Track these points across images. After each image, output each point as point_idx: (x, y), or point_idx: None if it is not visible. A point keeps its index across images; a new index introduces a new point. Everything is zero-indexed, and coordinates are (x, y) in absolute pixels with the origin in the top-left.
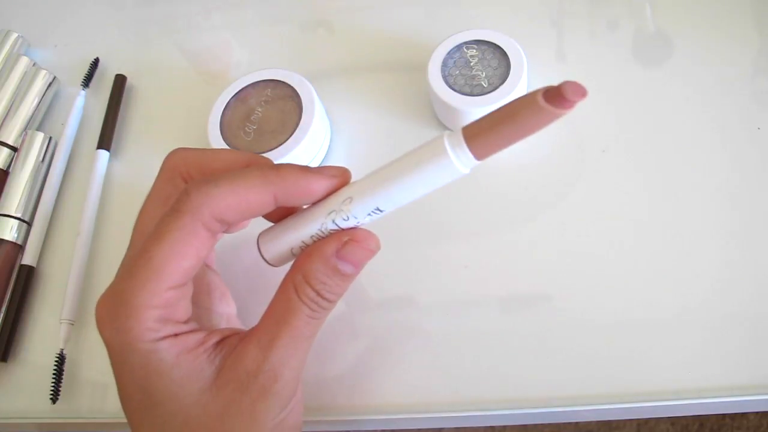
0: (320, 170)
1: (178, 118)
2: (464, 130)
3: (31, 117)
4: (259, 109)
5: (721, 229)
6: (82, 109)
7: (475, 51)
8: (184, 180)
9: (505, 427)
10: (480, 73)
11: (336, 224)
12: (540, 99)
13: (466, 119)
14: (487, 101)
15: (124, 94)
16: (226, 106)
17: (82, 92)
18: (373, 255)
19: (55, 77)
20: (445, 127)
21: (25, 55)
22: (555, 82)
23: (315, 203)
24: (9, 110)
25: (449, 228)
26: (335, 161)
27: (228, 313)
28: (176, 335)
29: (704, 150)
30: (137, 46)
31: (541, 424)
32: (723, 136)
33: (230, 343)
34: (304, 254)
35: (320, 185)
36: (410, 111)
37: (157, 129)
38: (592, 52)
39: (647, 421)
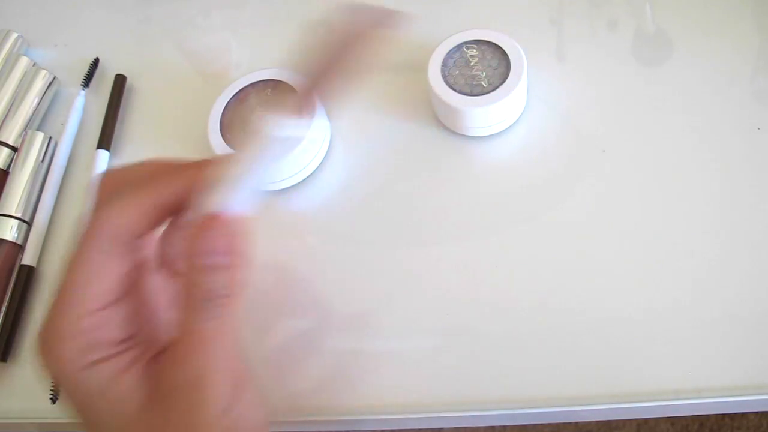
0: (186, 162)
1: (178, 118)
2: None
3: (31, 117)
4: (259, 109)
5: (722, 229)
6: (82, 109)
7: (475, 51)
8: None
9: (505, 427)
10: (480, 73)
11: (202, 211)
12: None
13: (466, 119)
14: (487, 101)
15: (124, 94)
16: (226, 106)
17: (82, 92)
18: (242, 235)
19: (55, 77)
20: (445, 128)
21: (25, 55)
22: (555, 82)
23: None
24: (9, 110)
25: (449, 227)
26: (335, 161)
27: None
28: (106, 359)
29: (704, 150)
30: (137, 46)
31: (541, 424)
32: (723, 136)
33: (161, 359)
34: (184, 257)
35: (195, 178)
36: (410, 111)
37: (157, 129)
38: (592, 52)
39: (647, 421)
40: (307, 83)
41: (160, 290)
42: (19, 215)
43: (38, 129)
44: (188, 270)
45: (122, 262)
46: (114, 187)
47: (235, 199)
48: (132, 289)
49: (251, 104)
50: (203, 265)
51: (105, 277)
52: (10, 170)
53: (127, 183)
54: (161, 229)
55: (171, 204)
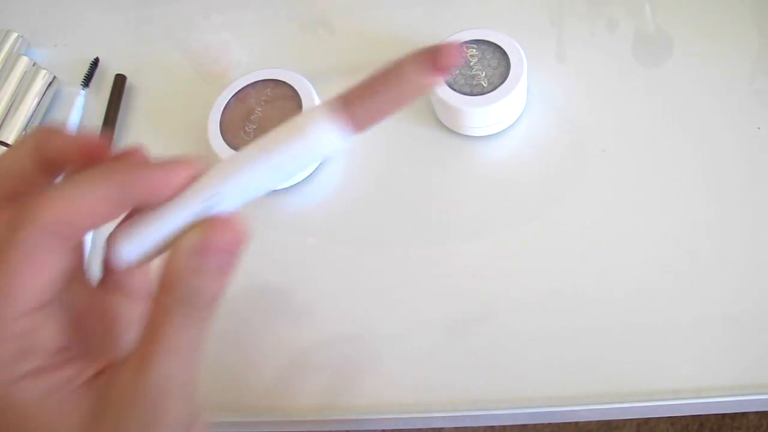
0: (168, 160)
1: (178, 118)
2: (341, 101)
3: (31, 117)
4: (259, 109)
5: (721, 229)
6: (82, 108)
7: (475, 51)
8: None
9: (505, 427)
10: (480, 72)
11: (202, 213)
12: (412, 68)
13: (466, 119)
14: (487, 101)
15: (124, 94)
16: (226, 106)
17: (82, 92)
18: (240, 239)
19: (55, 77)
20: (445, 127)
21: (25, 55)
22: (555, 82)
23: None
24: (9, 110)
25: (448, 227)
26: (334, 161)
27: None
28: (41, 370)
29: (704, 149)
30: (137, 46)
31: (541, 424)
32: (723, 136)
33: (111, 371)
34: (171, 251)
35: (166, 175)
36: (410, 111)
37: (157, 129)
38: (591, 52)
39: (647, 421)
40: (345, 100)
41: (93, 301)
42: None
43: None
44: (174, 270)
45: (61, 259)
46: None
47: (234, 200)
48: (64, 295)
49: (251, 104)
50: (199, 266)
51: (43, 272)
52: None
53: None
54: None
55: (128, 201)
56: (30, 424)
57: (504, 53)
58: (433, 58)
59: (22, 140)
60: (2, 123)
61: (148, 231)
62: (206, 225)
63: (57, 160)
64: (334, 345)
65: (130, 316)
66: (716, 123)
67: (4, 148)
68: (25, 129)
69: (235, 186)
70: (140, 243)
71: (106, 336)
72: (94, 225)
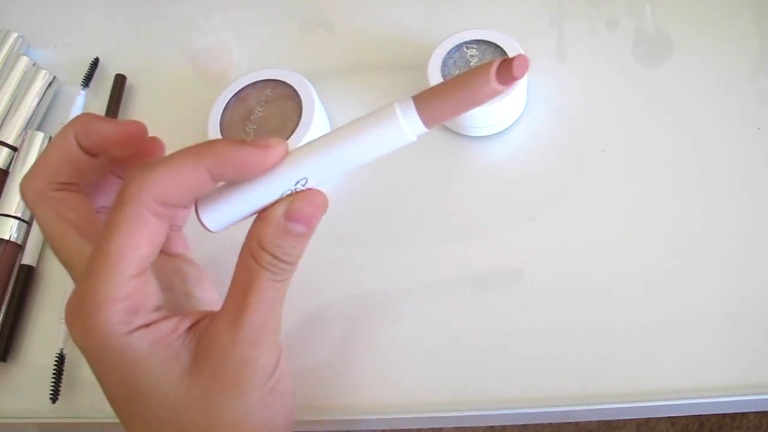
0: (254, 141)
1: (178, 118)
2: (415, 97)
3: (31, 117)
4: (259, 109)
5: (721, 229)
6: (82, 109)
7: (475, 51)
8: None
9: (505, 427)
10: None
11: (287, 189)
12: (492, 72)
13: (466, 119)
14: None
15: (124, 94)
16: (226, 106)
17: (82, 92)
18: (323, 211)
19: (55, 77)
20: (445, 127)
21: (25, 55)
22: (555, 82)
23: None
24: (9, 110)
25: (448, 227)
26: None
27: (208, 299)
28: (148, 325)
29: (704, 150)
30: (137, 46)
31: (541, 424)
32: (723, 136)
33: (203, 325)
34: (256, 220)
35: (254, 156)
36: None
37: (157, 129)
38: (592, 52)
39: (647, 421)
40: (426, 97)
41: (167, 265)
42: (19, 215)
43: (38, 129)
44: (264, 236)
45: (158, 232)
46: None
47: (316, 180)
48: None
49: (251, 104)
50: (287, 228)
51: (146, 243)
52: (10, 170)
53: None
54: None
55: (201, 179)
56: (144, 370)
57: (504, 53)
58: (509, 67)
59: (66, 129)
60: (2, 123)
61: (237, 203)
62: (293, 198)
63: (100, 145)
64: (332, 345)
65: (194, 275)
66: (716, 123)
67: (5, 148)
68: (25, 129)
69: (318, 168)
70: (227, 213)
71: (182, 294)
72: (188, 202)
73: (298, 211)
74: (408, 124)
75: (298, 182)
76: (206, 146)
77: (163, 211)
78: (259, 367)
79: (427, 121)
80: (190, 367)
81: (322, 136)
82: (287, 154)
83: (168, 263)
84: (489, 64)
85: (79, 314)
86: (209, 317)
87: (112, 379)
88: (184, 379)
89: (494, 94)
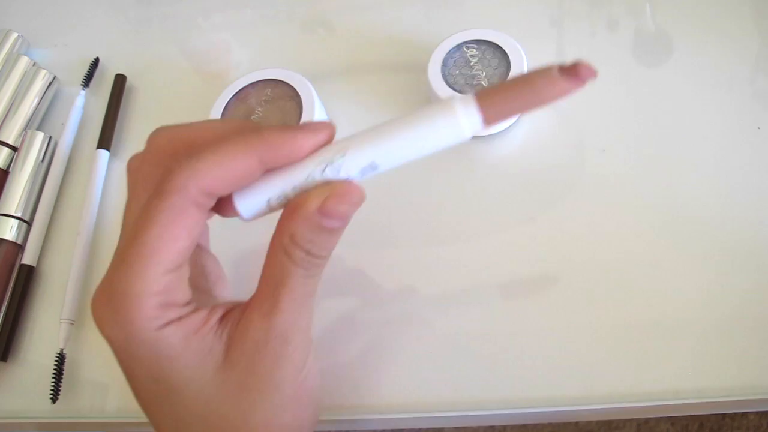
0: (303, 126)
1: (178, 118)
2: (477, 92)
3: (31, 117)
4: (259, 109)
5: (721, 229)
6: (82, 108)
7: (475, 51)
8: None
9: (505, 427)
10: (480, 72)
11: (325, 176)
12: (556, 72)
13: None
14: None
15: (124, 94)
16: (226, 106)
17: (82, 92)
18: (358, 207)
19: (55, 77)
20: None
21: (25, 55)
22: None
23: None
24: (9, 110)
25: (449, 227)
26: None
27: (225, 297)
28: (180, 318)
29: (704, 150)
30: (137, 46)
31: (541, 424)
32: (723, 136)
33: (233, 316)
34: (286, 213)
35: (305, 142)
36: (410, 111)
37: None
38: (592, 52)
39: (647, 421)
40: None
41: (211, 266)
42: (19, 215)
43: (38, 129)
44: (296, 231)
45: (198, 225)
46: (181, 147)
47: (361, 172)
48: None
49: (251, 104)
50: (321, 224)
51: (185, 236)
52: (10, 170)
53: (198, 145)
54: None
55: (251, 169)
56: (177, 365)
57: (504, 53)
58: (576, 70)
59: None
60: (2, 123)
61: (273, 188)
62: (326, 192)
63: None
64: (332, 345)
65: (215, 272)
66: (716, 123)
67: (5, 148)
68: (25, 129)
69: (361, 156)
70: (263, 200)
71: (204, 291)
72: (232, 189)
73: (334, 206)
74: (465, 118)
75: (332, 165)
76: (256, 134)
77: (206, 203)
78: (292, 362)
79: (487, 117)
80: (223, 361)
81: (372, 127)
82: (333, 136)
83: (195, 256)
84: (551, 66)
85: (109, 306)
86: (238, 309)
87: (142, 375)
88: (218, 374)
89: (562, 94)
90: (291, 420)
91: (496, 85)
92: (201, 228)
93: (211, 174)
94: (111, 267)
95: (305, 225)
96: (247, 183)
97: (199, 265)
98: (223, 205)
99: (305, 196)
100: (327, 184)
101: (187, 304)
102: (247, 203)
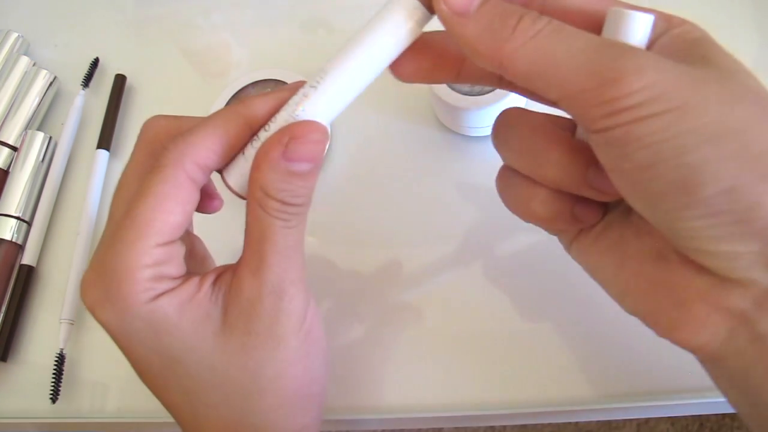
0: (281, 88)
1: None
2: None
3: (31, 117)
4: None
5: None
6: (82, 109)
7: None
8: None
9: (505, 427)
10: None
11: (292, 117)
12: None
13: (466, 119)
14: (487, 101)
15: (124, 94)
16: (225, 106)
17: (82, 92)
18: (324, 145)
19: (55, 77)
20: (445, 127)
21: (25, 55)
22: None
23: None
24: (9, 110)
25: (448, 227)
26: (335, 161)
27: None
28: (173, 289)
29: None
30: (137, 46)
31: (541, 424)
32: None
33: (225, 279)
34: (254, 165)
35: (279, 93)
36: (410, 111)
37: None
38: None
39: (647, 421)
40: None
41: (197, 247)
42: (18, 215)
43: (38, 129)
44: (265, 181)
45: (192, 199)
46: (177, 131)
47: (328, 106)
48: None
49: None
50: (289, 170)
51: (179, 210)
52: (10, 170)
53: (188, 122)
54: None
55: (241, 135)
56: (176, 335)
57: None
58: None
59: (277, 136)
60: (2, 123)
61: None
62: (285, 137)
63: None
64: (332, 346)
65: (201, 252)
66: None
67: (5, 148)
68: (25, 129)
69: (320, 97)
70: (236, 164)
71: (194, 267)
72: (222, 163)
73: (297, 149)
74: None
75: (305, 109)
76: (240, 103)
77: (200, 177)
78: (291, 315)
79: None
80: (222, 324)
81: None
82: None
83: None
84: None
85: (100, 286)
86: (229, 271)
87: (141, 351)
88: (218, 338)
89: None
90: (302, 372)
91: None
92: (194, 203)
93: (205, 144)
94: (98, 249)
95: (273, 174)
96: (237, 150)
97: (187, 244)
98: (204, 197)
99: (267, 144)
100: (286, 127)
101: (179, 277)
102: (232, 171)
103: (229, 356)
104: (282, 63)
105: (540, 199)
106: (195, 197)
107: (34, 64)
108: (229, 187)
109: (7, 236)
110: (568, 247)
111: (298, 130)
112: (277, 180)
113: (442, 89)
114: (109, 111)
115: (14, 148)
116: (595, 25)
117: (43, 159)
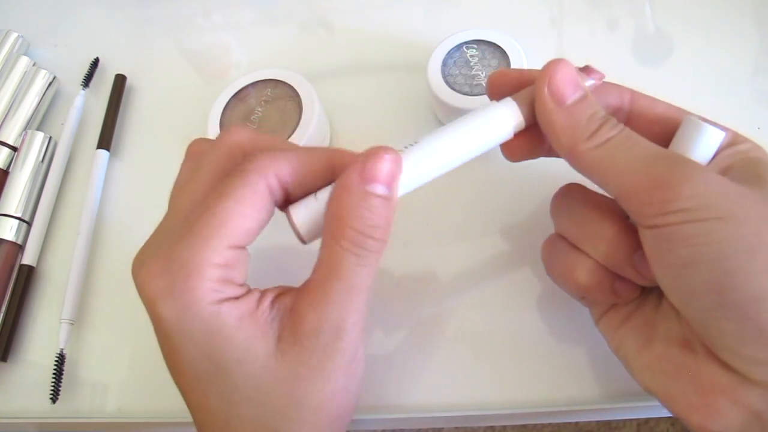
0: (375, 149)
1: (178, 117)
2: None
3: (31, 117)
4: (259, 109)
5: None
6: (82, 109)
7: (475, 51)
8: None
9: (505, 427)
10: (480, 72)
11: None
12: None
13: None
14: (487, 101)
15: (124, 94)
16: (225, 106)
17: (82, 92)
18: (398, 164)
19: (55, 77)
20: None
21: (25, 55)
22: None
23: None
24: (9, 110)
25: (448, 227)
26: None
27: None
28: (237, 298)
29: None
30: (137, 46)
31: (541, 424)
32: None
33: (284, 302)
34: (332, 197)
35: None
36: (410, 111)
37: (157, 129)
38: (591, 52)
39: (647, 421)
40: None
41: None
42: (19, 215)
43: (38, 129)
44: (343, 202)
45: (267, 211)
46: (261, 147)
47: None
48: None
49: (251, 104)
50: (366, 191)
51: (255, 216)
52: (10, 170)
53: (273, 140)
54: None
55: (325, 172)
56: (229, 345)
57: (504, 53)
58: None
59: (353, 173)
60: (2, 123)
61: (318, 199)
62: (360, 160)
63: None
64: None
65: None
66: (716, 122)
67: (5, 148)
68: (25, 129)
69: (421, 168)
70: (308, 207)
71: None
72: (300, 186)
73: (373, 167)
74: (511, 119)
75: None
76: (333, 149)
77: (278, 193)
78: (345, 354)
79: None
80: (275, 347)
81: (425, 138)
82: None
83: None
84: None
85: (166, 277)
86: (290, 295)
87: (192, 351)
88: (269, 359)
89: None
90: (337, 408)
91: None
92: (268, 214)
93: (291, 164)
94: (162, 240)
95: (350, 198)
96: (317, 185)
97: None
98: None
99: (346, 173)
100: (360, 155)
101: (242, 285)
102: (299, 205)
103: (276, 380)
104: (282, 63)
105: (586, 269)
106: (270, 209)
107: (34, 64)
108: (291, 223)
109: (7, 236)
110: (598, 320)
111: (373, 152)
112: (354, 205)
113: (443, 89)
114: (109, 111)
115: (14, 148)
116: (673, 130)
117: (43, 159)
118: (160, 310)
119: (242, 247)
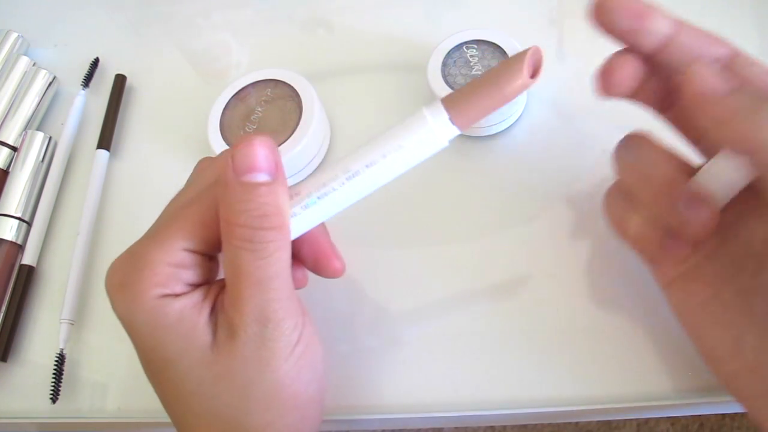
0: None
1: (178, 118)
2: (444, 99)
3: (31, 117)
4: (259, 109)
5: None
6: (82, 109)
7: (475, 51)
8: None
9: (505, 427)
10: (480, 72)
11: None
12: (525, 68)
13: None
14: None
15: (124, 94)
16: (226, 106)
17: (82, 92)
18: (270, 147)
19: (55, 77)
20: None
21: (25, 55)
22: (555, 82)
23: None
24: (9, 110)
25: (448, 227)
26: (334, 161)
27: None
28: (178, 294)
29: None
30: (137, 46)
31: (541, 424)
32: None
33: (221, 301)
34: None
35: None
36: (410, 111)
37: (157, 129)
38: (592, 52)
39: (647, 421)
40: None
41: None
42: (19, 215)
43: (38, 129)
44: (223, 201)
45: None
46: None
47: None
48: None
49: (251, 104)
50: (241, 182)
51: (214, 224)
52: (10, 170)
53: None
54: None
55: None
56: (170, 339)
57: (504, 53)
58: (533, 60)
59: None
60: (2, 123)
61: None
62: (233, 151)
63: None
64: (332, 346)
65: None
66: None
67: (5, 148)
68: (25, 129)
69: (346, 191)
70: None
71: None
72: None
73: (244, 157)
74: (439, 128)
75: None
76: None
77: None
78: (278, 340)
79: (459, 123)
80: (211, 341)
81: (350, 154)
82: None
83: None
84: (519, 59)
85: (120, 272)
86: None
87: (145, 344)
88: (205, 353)
89: (524, 88)
90: (293, 393)
91: (462, 88)
92: None
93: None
94: (135, 243)
95: (228, 195)
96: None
97: None
98: (321, 257)
99: (221, 170)
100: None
101: (195, 285)
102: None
103: (216, 374)
104: (282, 63)
105: (636, 219)
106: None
107: (34, 64)
108: None
109: (7, 236)
110: (665, 286)
111: (237, 142)
112: (235, 200)
113: (443, 90)
114: (109, 111)
115: (14, 148)
116: None
117: (43, 159)
118: (114, 303)
119: (202, 253)
